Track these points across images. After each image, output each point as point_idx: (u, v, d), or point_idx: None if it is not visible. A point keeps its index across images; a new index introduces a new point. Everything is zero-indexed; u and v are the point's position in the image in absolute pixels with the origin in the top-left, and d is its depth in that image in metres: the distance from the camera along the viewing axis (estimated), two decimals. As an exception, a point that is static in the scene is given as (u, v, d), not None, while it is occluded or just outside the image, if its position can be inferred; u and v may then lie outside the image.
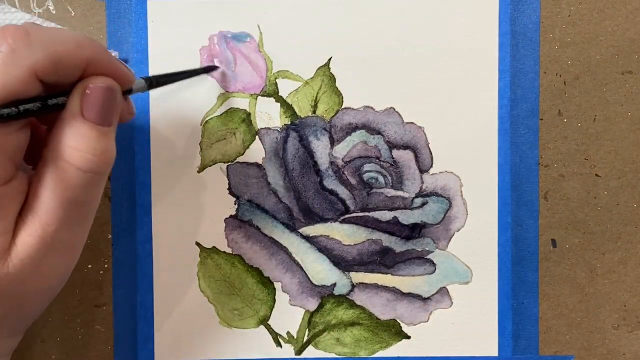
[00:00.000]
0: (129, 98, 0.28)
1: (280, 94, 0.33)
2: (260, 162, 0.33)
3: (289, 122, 0.33)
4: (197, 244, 0.33)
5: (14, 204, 0.24)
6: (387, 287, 0.33)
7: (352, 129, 0.33)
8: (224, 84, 0.33)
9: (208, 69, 0.32)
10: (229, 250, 0.33)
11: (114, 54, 0.32)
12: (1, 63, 0.22)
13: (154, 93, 0.32)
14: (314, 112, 0.33)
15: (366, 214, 0.33)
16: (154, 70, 0.32)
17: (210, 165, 0.33)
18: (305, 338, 0.33)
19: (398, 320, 0.33)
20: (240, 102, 0.33)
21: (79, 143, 0.24)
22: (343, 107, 0.33)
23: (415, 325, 0.33)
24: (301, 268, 0.33)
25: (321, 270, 0.33)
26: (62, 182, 0.24)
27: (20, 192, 0.24)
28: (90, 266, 0.33)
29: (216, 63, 0.32)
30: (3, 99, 0.22)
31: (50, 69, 0.23)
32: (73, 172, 0.24)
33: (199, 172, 0.33)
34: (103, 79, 0.24)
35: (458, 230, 0.33)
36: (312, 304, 0.33)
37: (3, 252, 0.23)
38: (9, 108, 0.22)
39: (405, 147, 0.33)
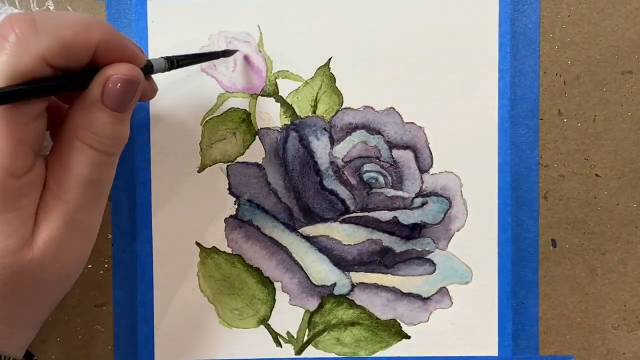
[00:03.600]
0: (151, 77, 0.28)
1: (280, 94, 0.33)
2: (260, 162, 0.33)
3: (289, 122, 0.33)
4: (197, 244, 0.33)
5: (36, 190, 0.24)
6: (387, 287, 0.33)
7: (352, 129, 0.33)
8: (224, 84, 0.33)
9: (227, 53, 0.32)
10: (229, 250, 0.33)
11: None
12: (10, 52, 0.22)
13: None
14: (314, 112, 0.33)
15: (366, 214, 0.33)
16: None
17: (210, 165, 0.33)
18: (305, 338, 0.33)
19: (398, 320, 0.33)
20: (240, 102, 0.33)
21: (96, 128, 0.25)
22: (343, 107, 0.33)
23: (415, 325, 0.33)
24: (301, 268, 0.33)
25: (321, 270, 0.33)
26: (78, 163, 0.24)
27: (41, 177, 0.25)
28: (90, 266, 0.33)
29: (216, 63, 0.32)
30: (14, 83, 0.22)
31: (60, 55, 0.23)
32: (89, 153, 0.25)
33: (199, 172, 0.33)
34: (126, 68, 0.25)
35: (458, 230, 0.33)
36: (312, 304, 0.33)
37: (28, 237, 0.24)
38: (21, 86, 0.22)
39: (405, 147, 0.33)
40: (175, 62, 0.29)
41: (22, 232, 0.24)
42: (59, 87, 0.24)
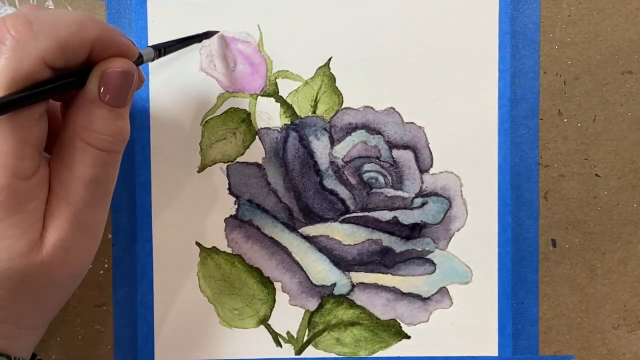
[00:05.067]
0: (139, 67, 0.28)
1: (280, 94, 0.33)
2: (260, 162, 0.33)
3: (289, 122, 0.33)
4: (197, 244, 0.33)
5: (43, 192, 0.24)
6: (387, 287, 0.33)
7: (352, 129, 0.33)
8: (224, 84, 0.33)
9: (208, 34, 0.32)
10: (229, 250, 0.33)
11: None
12: (9, 57, 0.22)
13: (154, 93, 0.32)
14: (314, 112, 0.33)
15: (366, 214, 0.33)
16: (154, 69, 0.32)
17: (210, 165, 0.33)
18: (305, 338, 0.33)
19: (398, 320, 0.33)
20: (240, 102, 0.33)
21: (97, 126, 0.24)
22: (343, 107, 0.33)
23: (415, 325, 0.33)
24: (301, 268, 0.33)
25: (321, 270, 0.33)
26: (81, 163, 0.24)
27: (46, 179, 0.25)
28: (90, 266, 0.33)
29: (216, 63, 0.32)
30: (17, 88, 0.22)
31: (59, 55, 0.23)
32: (92, 152, 0.25)
33: (199, 172, 0.33)
34: (120, 61, 0.25)
35: (458, 230, 0.33)
36: (312, 304, 0.33)
37: (37, 240, 0.24)
38: (25, 92, 0.22)
39: (405, 147, 0.33)
40: (162, 50, 0.29)
41: (30, 235, 0.24)
42: (60, 87, 0.24)
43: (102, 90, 0.24)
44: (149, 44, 0.32)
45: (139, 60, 0.27)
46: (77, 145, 0.24)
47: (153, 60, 0.29)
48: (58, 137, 0.25)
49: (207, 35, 0.32)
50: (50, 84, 0.23)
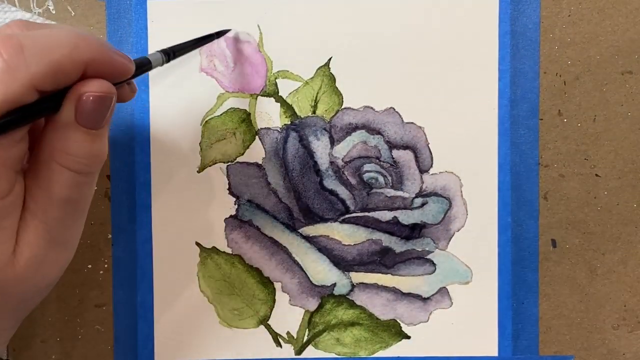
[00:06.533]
0: (132, 81, 0.28)
1: (280, 94, 0.33)
2: (260, 162, 0.33)
3: (289, 122, 0.33)
4: (197, 244, 0.33)
5: (17, 209, 0.24)
6: (387, 287, 0.33)
7: (352, 129, 0.33)
8: (224, 84, 0.33)
9: (221, 33, 0.32)
10: (229, 250, 0.33)
11: None
12: None
13: (154, 93, 0.32)
14: (314, 112, 0.33)
15: (366, 214, 0.33)
16: (154, 70, 0.32)
17: (210, 165, 0.33)
18: (305, 338, 0.33)
19: (398, 320, 0.33)
20: (240, 102, 0.33)
21: (73, 149, 0.24)
22: (343, 107, 0.33)
23: (415, 325, 0.33)
24: (301, 268, 0.33)
25: (321, 270, 0.33)
26: (56, 184, 0.24)
27: (20, 197, 0.24)
28: (90, 266, 0.33)
29: (216, 63, 0.32)
30: (2, 114, 0.22)
31: (49, 79, 0.22)
32: (67, 175, 0.24)
33: (199, 172, 0.33)
34: (98, 84, 0.24)
35: (458, 230, 0.33)
36: (312, 304, 0.33)
37: (9, 255, 0.24)
38: (8, 118, 0.22)
39: (405, 147, 0.33)
40: (172, 54, 0.29)
41: (4, 251, 0.24)
42: (44, 110, 0.23)
43: (78, 114, 0.23)
44: (154, 47, 0.32)
45: (147, 67, 0.27)
46: (52, 166, 0.24)
47: (162, 64, 0.28)
48: (34, 155, 0.25)
49: (220, 34, 0.31)
50: (35, 107, 0.22)
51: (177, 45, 0.30)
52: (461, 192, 0.33)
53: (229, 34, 0.32)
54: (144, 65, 0.27)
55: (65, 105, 0.24)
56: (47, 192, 0.24)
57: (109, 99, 0.24)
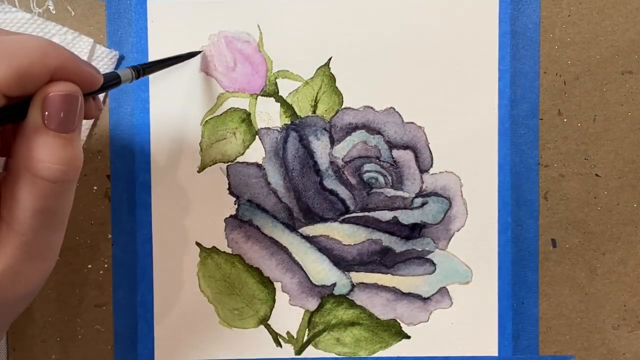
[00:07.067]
0: (98, 96, 0.27)
1: (280, 94, 0.33)
2: (260, 162, 0.33)
3: (289, 122, 0.33)
4: (197, 244, 0.33)
5: None
6: (387, 287, 0.33)
7: (352, 129, 0.33)
8: (224, 84, 0.33)
9: (192, 54, 0.32)
10: (229, 250, 0.33)
11: (114, 53, 0.32)
12: None
13: (154, 93, 0.32)
14: (314, 112, 0.33)
15: (366, 214, 0.33)
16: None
17: (210, 165, 0.33)
18: (305, 338, 0.33)
19: (398, 320, 0.33)
20: (240, 102, 0.33)
21: (44, 155, 0.23)
22: (343, 107, 0.33)
23: (415, 325, 0.33)
24: (301, 268, 0.33)
25: (321, 270, 0.33)
26: (31, 194, 0.23)
27: None
28: (90, 266, 0.33)
29: (216, 63, 0.32)
30: None
31: (16, 85, 0.22)
32: (42, 184, 0.23)
33: (199, 172, 0.33)
34: (62, 85, 0.23)
35: (458, 230, 0.33)
36: (312, 304, 0.33)
37: None
38: None
39: (405, 147, 0.33)
40: (142, 71, 0.28)
41: None
42: (11, 117, 0.23)
43: (46, 116, 0.23)
44: (154, 47, 0.32)
45: (117, 82, 0.26)
46: (24, 176, 0.23)
47: (132, 81, 0.28)
48: (7, 164, 0.24)
49: (190, 55, 0.32)
50: (1, 112, 0.22)
51: (147, 63, 0.30)
52: (461, 192, 0.33)
53: (227, 34, 0.32)
54: (112, 80, 0.26)
55: (31, 108, 0.23)
56: (20, 204, 0.23)
57: (75, 98, 0.23)
